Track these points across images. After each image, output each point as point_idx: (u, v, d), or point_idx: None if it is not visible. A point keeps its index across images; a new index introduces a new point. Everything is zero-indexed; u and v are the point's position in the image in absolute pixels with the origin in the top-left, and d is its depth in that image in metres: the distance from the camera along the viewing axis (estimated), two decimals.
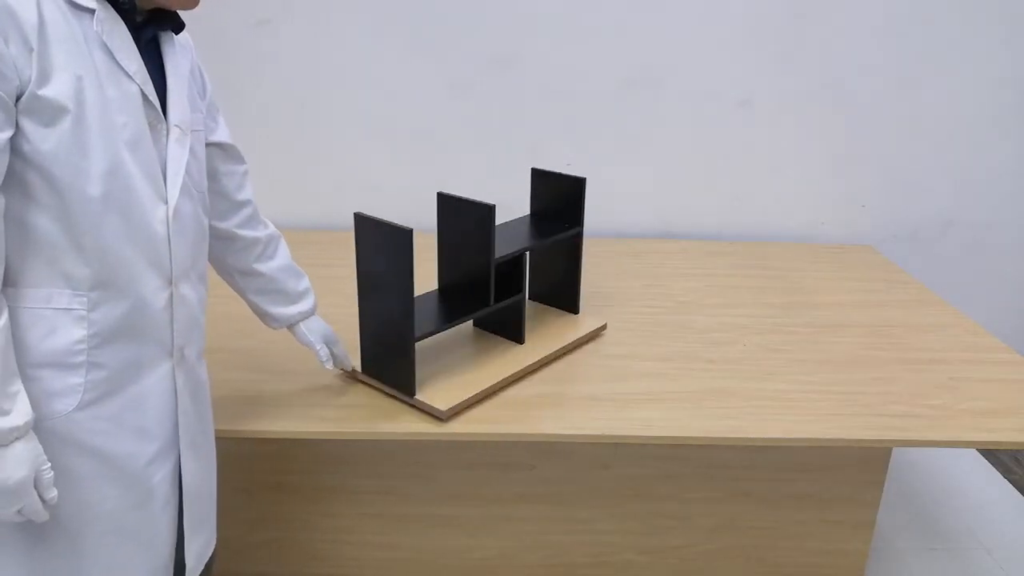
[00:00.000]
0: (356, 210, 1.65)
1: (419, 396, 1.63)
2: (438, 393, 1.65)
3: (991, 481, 2.66)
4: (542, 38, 2.59)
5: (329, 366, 1.66)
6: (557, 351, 1.89)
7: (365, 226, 1.60)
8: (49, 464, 1.08)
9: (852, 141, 2.75)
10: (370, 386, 1.73)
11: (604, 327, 2.03)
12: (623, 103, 2.67)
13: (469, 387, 1.68)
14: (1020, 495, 2.60)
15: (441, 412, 1.60)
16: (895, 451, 2.65)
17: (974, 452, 2.78)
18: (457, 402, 1.62)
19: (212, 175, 1.40)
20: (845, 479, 1.97)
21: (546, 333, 1.96)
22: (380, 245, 1.58)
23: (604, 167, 2.73)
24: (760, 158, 2.76)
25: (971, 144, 2.76)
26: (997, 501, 2.55)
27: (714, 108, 2.69)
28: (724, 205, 2.81)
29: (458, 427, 1.60)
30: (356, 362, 1.73)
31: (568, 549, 2.03)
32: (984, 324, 2.35)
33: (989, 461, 2.76)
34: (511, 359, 1.82)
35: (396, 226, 1.53)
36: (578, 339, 1.95)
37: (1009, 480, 2.67)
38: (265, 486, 1.94)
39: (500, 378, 1.73)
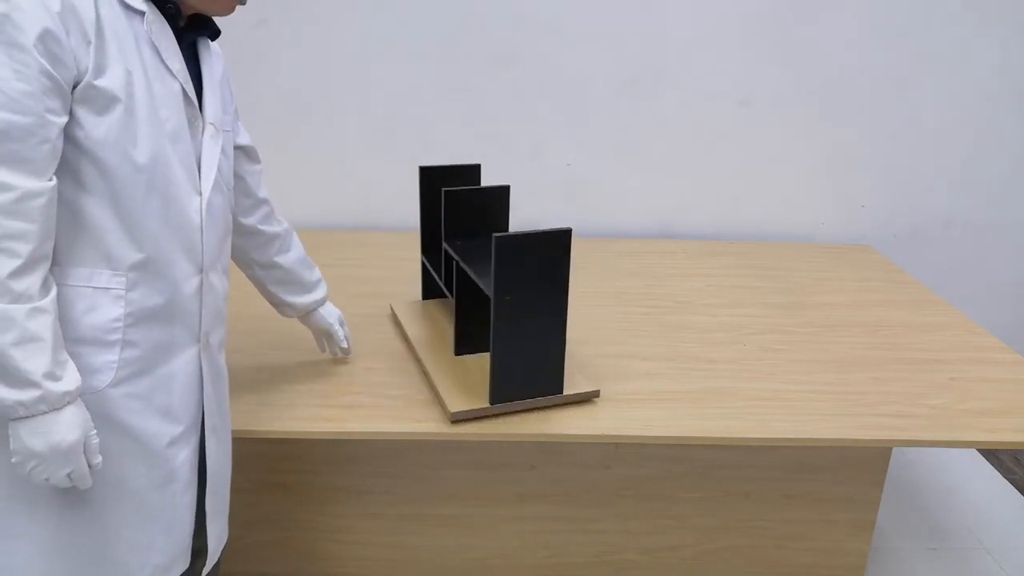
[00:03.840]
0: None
1: (567, 391, 1.68)
2: (578, 381, 1.72)
3: (991, 481, 2.66)
4: (542, 38, 2.59)
5: (345, 345, 1.79)
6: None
7: (513, 243, 1.51)
8: (95, 430, 1.14)
9: (851, 141, 2.75)
10: (492, 416, 1.63)
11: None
12: (623, 103, 2.67)
13: (571, 367, 1.74)
14: (1020, 495, 2.60)
15: (594, 393, 1.69)
16: (895, 451, 2.65)
17: (974, 452, 2.78)
18: (590, 377, 1.75)
19: (237, 175, 1.50)
20: (845, 479, 1.97)
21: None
22: (536, 257, 1.53)
23: (604, 167, 2.73)
24: (760, 158, 2.76)
25: (971, 144, 2.76)
26: (997, 501, 2.55)
27: (713, 108, 2.69)
28: (723, 205, 2.81)
29: (459, 427, 1.60)
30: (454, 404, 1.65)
31: (568, 549, 2.03)
32: (984, 324, 2.35)
33: (989, 461, 2.76)
34: None
35: (555, 231, 1.53)
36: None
37: (1009, 480, 2.67)
38: (267, 486, 1.94)
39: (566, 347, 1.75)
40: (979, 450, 2.79)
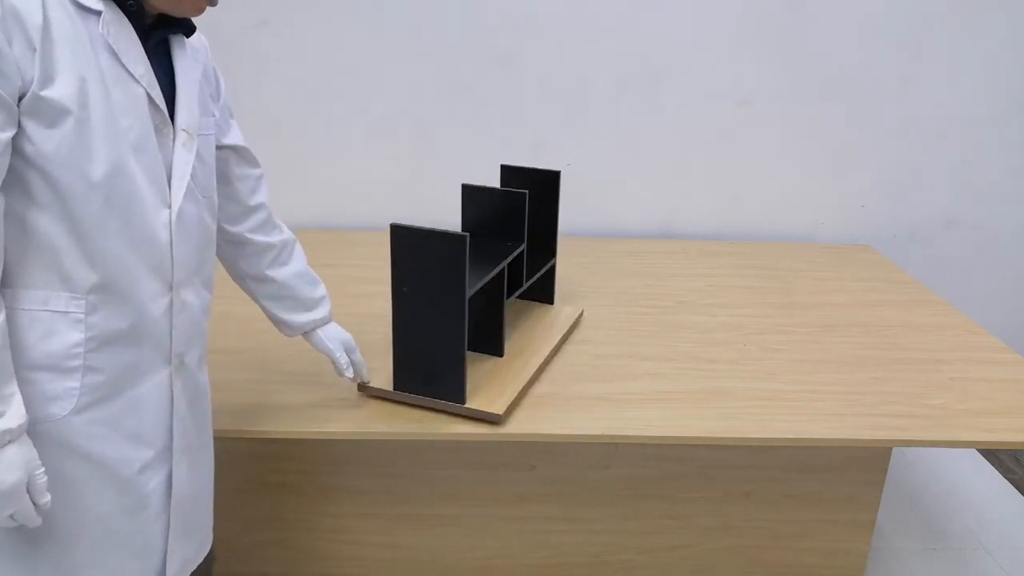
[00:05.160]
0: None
1: (470, 403, 1.62)
2: (485, 398, 1.64)
3: (991, 481, 2.66)
4: (542, 38, 2.59)
5: (349, 374, 1.62)
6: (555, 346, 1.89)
7: (407, 236, 1.53)
8: (43, 468, 1.07)
9: (851, 141, 2.75)
10: (397, 402, 1.67)
11: (582, 313, 2.08)
12: (623, 103, 2.67)
13: (508, 387, 1.68)
14: (1020, 495, 2.60)
15: (498, 416, 1.59)
16: (895, 451, 2.65)
17: (974, 452, 2.78)
18: (508, 404, 1.63)
19: (225, 179, 1.39)
20: (845, 479, 1.97)
21: (536, 326, 1.97)
22: (428, 254, 1.53)
23: (604, 167, 2.73)
24: (760, 158, 2.76)
25: (971, 144, 2.76)
26: (997, 501, 2.55)
27: (713, 108, 2.69)
28: (724, 205, 2.81)
29: (458, 427, 1.60)
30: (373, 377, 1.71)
31: (568, 549, 2.03)
32: (984, 324, 2.35)
33: (989, 461, 2.76)
34: (524, 355, 1.82)
35: (450, 233, 1.49)
36: (570, 327, 1.98)
37: (1009, 480, 2.67)
38: (265, 486, 1.94)
39: (531, 373, 1.74)
40: (979, 450, 2.79)
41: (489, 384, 1.69)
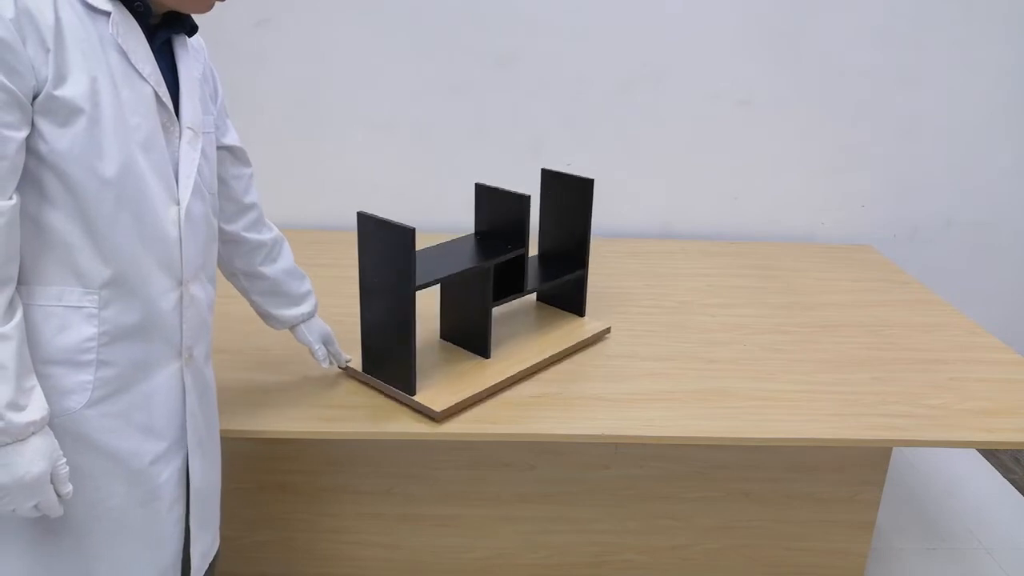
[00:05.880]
0: (356, 210, 1.65)
1: (417, 396, 1.64)
2: (436, 394, 1.65)
3: (991, 481, 2.66)
4: (542, 38, 2.59)
5: (326, 365, 1.70)
6: (552, 356, 1.86)
7: (368, 225, 1.60)
8: (65, 459, 1.10)
9: (852, 141, 2.75)
10: (369, 385, 1.73)
11: (608, 330, 2.01)
12: (623, 103, 2.67)
13: (465, 388, 1.68)
14: (1020, 495, 2.60)
15: (436, 413, 1.60)
16: (895, 451, 2.65)
17: (974, 452, 2.78)
18: (452, 404, 1.62)
19: (220, 178, 1.41)
20: (845, 479, 1.97)
21: (547, 335, 1.95)
22: (383, 244, 1.58)
23: (604, 166, 2.73)
24: (760, 158, 2.76)
25: (971, 144, 2.76)
26: (997, 501, 2.55)
27: (714, 107, 2.69)
28: (724, 205, 2.81)
29: (457, 427, 1.60)
30: (354, 358, 1.75)
31: (568, 549, 2.03)
32: (984, 324, 2.35)
33: (989, 461, 2.76)
34: (509, 361, 1.82)
35: (398, 225, 1.54)
36: (579, 343, 1.93)
37: (1009, 480, 2.67)
38: (266, 486, 1.94)
39: (497, 380, 1.73)
40: (979, 450, 2.79)
41: (453, 382, 1.70)
